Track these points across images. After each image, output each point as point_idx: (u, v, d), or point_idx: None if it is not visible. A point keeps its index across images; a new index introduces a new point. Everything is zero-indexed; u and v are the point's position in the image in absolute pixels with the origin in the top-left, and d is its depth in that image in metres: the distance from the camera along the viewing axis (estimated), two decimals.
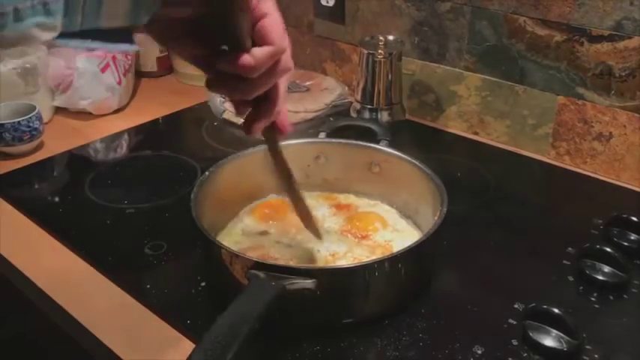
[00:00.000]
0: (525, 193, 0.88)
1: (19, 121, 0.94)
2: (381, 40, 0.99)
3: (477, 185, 0.89)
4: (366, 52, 0.98)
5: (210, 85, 0.50)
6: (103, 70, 1.08)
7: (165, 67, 1.29)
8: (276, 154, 0.62)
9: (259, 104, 0.52)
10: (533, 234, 0.78)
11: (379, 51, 0.97)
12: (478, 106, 1.01)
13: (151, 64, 1.27)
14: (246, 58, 0.45)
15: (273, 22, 0.48)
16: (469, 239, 0.77)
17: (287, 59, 0.50)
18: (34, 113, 0.96)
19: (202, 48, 0.48)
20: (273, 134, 0.59)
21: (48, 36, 0.37)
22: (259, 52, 0.46)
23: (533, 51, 0.91)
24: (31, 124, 0.95)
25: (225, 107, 1.09)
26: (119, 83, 1.10)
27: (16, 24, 0.35)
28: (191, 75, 1.25)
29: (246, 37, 0.46)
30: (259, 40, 0.47)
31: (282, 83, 0.53)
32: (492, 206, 0.84)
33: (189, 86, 1.25)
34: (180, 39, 0.48)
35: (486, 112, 1.00)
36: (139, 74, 1.27)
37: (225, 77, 0.48)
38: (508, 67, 0.95)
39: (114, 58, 1.10)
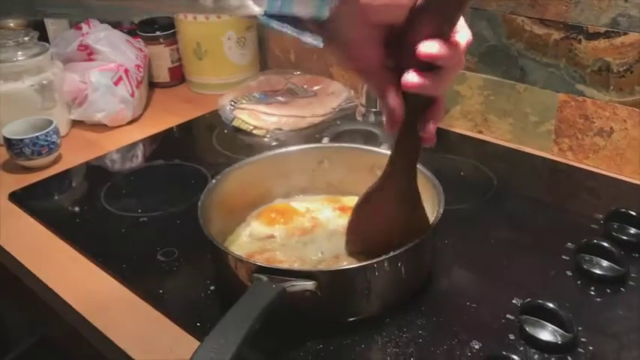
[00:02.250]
0: (529, 190, 0.90)
1: (37, 136, 0.98)
2: None
3: (480, 183, 0.91)
4: None
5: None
6: (116, 83, 1.12)
7: (177, 78, 1.32)
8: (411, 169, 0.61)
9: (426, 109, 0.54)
10: (535, 230, 0.79)
11: None
12: (481, 105, 1.02)
13: (163, 75, 1.31)
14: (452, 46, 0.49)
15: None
16: (472, 236, 0.79)
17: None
18: (51, 128, 1.00)
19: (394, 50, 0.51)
20: (416, 146, 0.59)
21: (258, 10, 0.48)
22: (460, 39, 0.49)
23: (532, 50, 0.93)
24: (49, 138, 0.99)
25: (234, 115, 1.12)
26: (132, 95, 1.14)
27: None
28: (202, 84, 1.29)
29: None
30: None
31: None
32: (496, 203, 0.86)
33: (200, 95, 1.28)
34: (366, 49, 0.52)
35: (489, 111, 1.02)
36: (152, 85, 1.31)
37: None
38: (508, 67, 0.97)
39: (126, 71, 1.13)
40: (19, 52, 1.06)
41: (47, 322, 0.85)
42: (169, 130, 1.14)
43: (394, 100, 0.53)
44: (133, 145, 1.09)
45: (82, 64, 1.15)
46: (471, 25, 0.97)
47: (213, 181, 0.75)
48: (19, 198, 0.92)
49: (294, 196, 0.84)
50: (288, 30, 0.50)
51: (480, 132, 1.04)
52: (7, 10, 0.50)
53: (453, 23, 0.49)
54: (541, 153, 0.97)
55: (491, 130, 1.03)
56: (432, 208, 0.70)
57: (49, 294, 0.75)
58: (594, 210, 0.80)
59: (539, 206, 0.85)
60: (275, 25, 0.49)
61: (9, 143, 0.98)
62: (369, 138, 0.87)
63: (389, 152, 0.80)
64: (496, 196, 0.87)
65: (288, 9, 0.48)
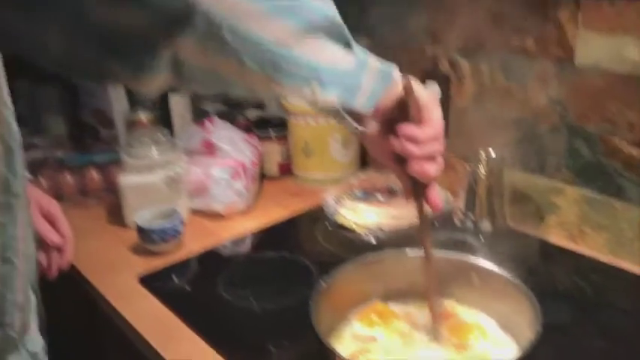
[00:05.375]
0: (624, 304, 0.91)
1: (166, 226, 1.10)
2: (483, 156, 1.08)
3: (575, 296, 0.93)
4: (468, 166, 1.07)
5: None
6: (233, 178, 1.24)
7: (286, 172, 1.44)
8: (425, 236, 0.78)
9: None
10: (632, 345, 0.81)
11: (481, 166, 1.05)
12: (577, 217, 1.06)
13: (273, 170, 1.43)
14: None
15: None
16: (566, 351, 0.81)
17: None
18: (178, 218, 1.12)
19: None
20: (425, 213, 0.76)
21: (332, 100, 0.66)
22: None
23: (629, 170, 0.96)
24: (175, 228, 1.11)
25: (337, 211, 1.21)
26: (246, 189, 1.25)
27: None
28: (307, 178, 1.40)
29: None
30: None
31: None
32: (591, 317, 0.88)
33: (305, 188, 1.39)
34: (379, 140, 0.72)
35: (585, 224, 1.05)
36: (263, 177, 1.43)
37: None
38: (605, 183, 1.00)
39: (243, 167, 1.26)
40: (154, 148, 1.20)
41: None
42: (278, 223, 1.24)
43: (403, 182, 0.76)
44: (245, 236, 1.19)
45: (205, 160, 1.28)
46: (567, 142, 1.03)
47: (324, 284, 0.82)
48: (147, 281, 1.04)
49: (394, 298, 0.89)
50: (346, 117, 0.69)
51: (576, 244, 1.07)
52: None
53: None
54: (637, 269, 0.99)
55: (586, 243, 1.05)
56: (529, 322, 0.73)
57: None
58: None
59: (635, 320, 0.86)
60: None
61: (141, 230, 1.10)
62: (465, 247, 0.91)
63: (485, 263, 0.86)
64: (591, 310, 0.89)
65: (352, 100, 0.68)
